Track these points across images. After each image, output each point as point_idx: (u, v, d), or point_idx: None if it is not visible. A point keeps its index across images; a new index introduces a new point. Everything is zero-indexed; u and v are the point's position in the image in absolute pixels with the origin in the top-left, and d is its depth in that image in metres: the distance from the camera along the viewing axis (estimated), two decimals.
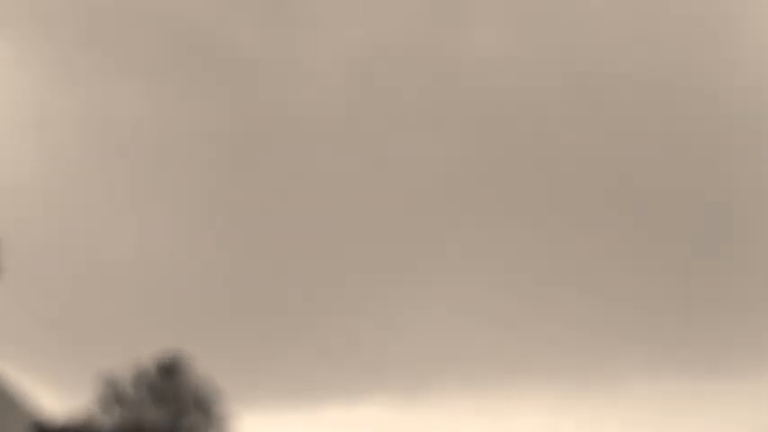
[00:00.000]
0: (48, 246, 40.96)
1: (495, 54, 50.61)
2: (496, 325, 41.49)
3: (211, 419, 28.39)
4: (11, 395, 14.79)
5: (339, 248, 47.56)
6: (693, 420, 35.99)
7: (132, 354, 27.82)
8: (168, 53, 51.57)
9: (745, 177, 44.49)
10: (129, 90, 51.55)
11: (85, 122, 50.29)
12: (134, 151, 50.32)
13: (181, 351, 28.61)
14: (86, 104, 50.71)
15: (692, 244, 44.40)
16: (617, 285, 42.77)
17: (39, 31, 49.36)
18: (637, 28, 48.22)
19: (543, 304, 42.34)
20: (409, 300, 43.89)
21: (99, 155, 50.42)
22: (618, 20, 47.93)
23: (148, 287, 41.13)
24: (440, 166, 48.46)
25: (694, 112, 46.95)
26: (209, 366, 28.26)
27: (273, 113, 50.84)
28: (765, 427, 32.62)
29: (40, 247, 39.19)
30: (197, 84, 51.71)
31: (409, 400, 42.19)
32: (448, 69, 51.22)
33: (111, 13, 50.02)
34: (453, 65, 51.23)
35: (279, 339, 41.06)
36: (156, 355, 28.34)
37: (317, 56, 51.60)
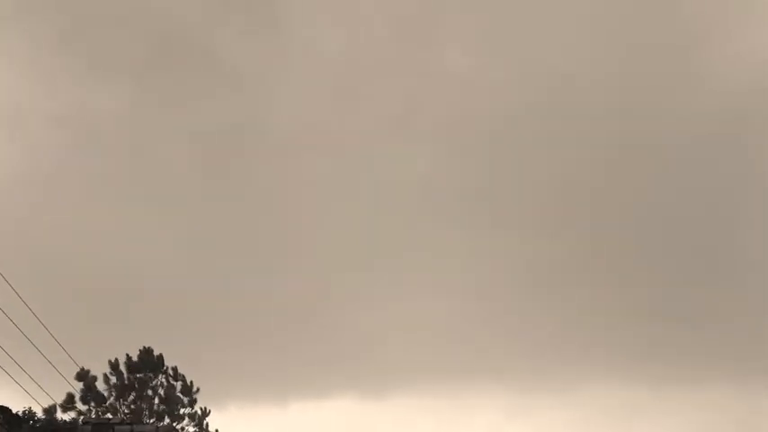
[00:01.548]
0: (24, 243, 41.54)
1: (465, 69, 51.90)
2: (459, 330, 42.74)
3: (186, 415, 29.15)
4: None
5: (312, 253, 48.51)
6: (643, 426, 37.21)
7: (108, 351, 28.66)
8: (150, 54, 52.26)
9: (717, 193, 45.71)
10: (108, 90, 52.19)
11: (64, 122, 50.92)
12: (112, 150, 51.02)
13: (155, 349, 29.43)
14: (65, 103, 51.33)
15: (657, 259, 45.45)
16: (579, 295, 43.90)
17: (18, 29, 49.88)
18: (602, 46, 49.70)
19: (505, 311, 43.57)
20: (378, 303, 44.99)
21: (77, 153, 51.07)
22: (584, 38, 49.39)
23: (125, 285, 41.86)
24: (411, 175, 49.61)
25: (662, 123, 48.24)
26: (184, 364, 29.12)
27: (251, 119, 51.78)
28: (710, 428, 34.15)
29: (16, 244, 39.80)
30: (179, 85, 52.45)
31: (374, 399, 43.29)
32: (420, 83, 52.51)
33: (92, 11, 50.63)
34: (425, 79, 52.46)
35: (253, 340, 41.91)
36: (133, 351, 29.05)
37: (295, 66, 52.57)
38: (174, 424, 28.97)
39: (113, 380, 28.24)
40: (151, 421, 26.78)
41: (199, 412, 29.36)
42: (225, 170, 50.29)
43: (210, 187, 49.37)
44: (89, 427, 17.32)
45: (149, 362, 29.42)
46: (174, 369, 29.67)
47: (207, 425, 29.64)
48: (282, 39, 51.72)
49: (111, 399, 28.00)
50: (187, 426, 29.16)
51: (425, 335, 42.88)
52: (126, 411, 27.73)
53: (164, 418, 28.29)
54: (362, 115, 50.93)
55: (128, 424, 18.66)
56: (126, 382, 28.51)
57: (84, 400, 27.56)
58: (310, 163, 49.09)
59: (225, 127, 49.92)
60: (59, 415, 25.54)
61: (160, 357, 29.48)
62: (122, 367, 28.58)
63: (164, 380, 29.34)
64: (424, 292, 44.76)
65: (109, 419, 20.90)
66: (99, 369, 28.06)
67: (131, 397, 28.33)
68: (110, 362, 28.33)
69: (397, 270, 45.99)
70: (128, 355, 28.90)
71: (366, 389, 41.57)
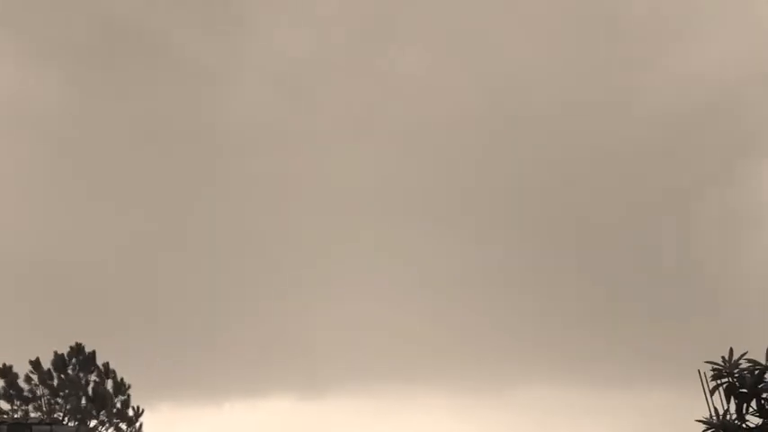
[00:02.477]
0: None
1: (422, 72, 52.01)
2: (400, 330, 42.65)
3: (120, 413, 28.31)
4: None
5: (255, 251, 47.93)
6: (585, 427, 37.78)
7: (42, 347, 27.73)
8: (93, 40, 50.80)
9: (661, 195, 46.67)
10: (50, 75, 50.61)
11: (4, 108, 49.19)
12: (48, 141, 49.46)
13: (87, 346, 28.55)
14: (4, 89, 49.57)
15: (600, 262, 46.23)
16: (521, 297, 44.34)
17: None
18: (551, 48, 50.24)
19: (447, 312, 43.73)
20: (320, 303, 44.64)
21: (16, 141, 49.39)
22: (533, 42, 49.87)
23: (57, 282, 40.71)
24: (363, 176, 49.37)
25: (607, 128, 49.09)
26: (120, 362, 28.31)
27: (203, 114, 50.84)
28: (642, 430, 34.70)
29: None
30: (126, 75, 51.10)
31: (313, 399, 42.96)
32: (377, 85, 52.29)
33: None
34: (382, 81, 52.33)
35: (189, 338, 41.16)
36: (66, 349, 28.19)
37: (251, 64, 51.87)
38: (106, 424, 28.23)
39: (35, 378, 27.40)
40: (73, 424, 25.88)
41: (131, 412, 28.56)
42: (169, 164, 49.19)
43: (150, 181, 48.23)
44: (5, 428, 16.47)
45: (80, 359, 28.62)
46: (106, 366, 28.85)
47: (141, 425, 28.90)
48: (240, 36, 50.92)
49: (38, 398, 27.22)
50: (118, 425, 28.37)
51: (366, 335, 42.71)
52: (52, 411, 26.87)
53: (93, 417, 27.44)
54: (317, 116, 50.46)
55: (47, 424, 17.83)
56: (54, 379, 27.70)
57: (7, 398, 26.68)
58: (261, 162, 48.41)
59: (174, 121, 48.87)
60: None
61: (92, 354, 28.69)
62: (50, 365, 27.76)
63: (95, 378, 28.56)
64: (366, 293, 44.61)
65: (27, 419, 20.03)
66: (25, 368, 27.24)
67: (60, 395, 27.53)
68: (30, 361, 27.43)
69: (340, 270, 45.66)
70: (56, 352, 28.03)
71: (305, 389, 41.16)
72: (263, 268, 46.05)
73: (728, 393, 9.63)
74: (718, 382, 9.71)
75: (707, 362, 9.88)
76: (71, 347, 28.30)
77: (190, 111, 49.32)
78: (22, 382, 27.21)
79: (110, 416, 28.08)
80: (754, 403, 9.54)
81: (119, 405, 28.39)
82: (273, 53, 50.30)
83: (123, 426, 28.28)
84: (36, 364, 27.52)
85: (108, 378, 28.33)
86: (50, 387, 27.48)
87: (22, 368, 27.27)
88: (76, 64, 49.44)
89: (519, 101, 49.56)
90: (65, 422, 25.66)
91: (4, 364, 26.44)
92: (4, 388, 26.65)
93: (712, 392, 9.80)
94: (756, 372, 9.49)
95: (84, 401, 27.72)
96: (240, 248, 46.42)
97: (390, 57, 50.32)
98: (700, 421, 9.77)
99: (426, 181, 48.86)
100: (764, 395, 9.45)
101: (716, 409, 9.87)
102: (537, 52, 49.20)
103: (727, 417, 9.61)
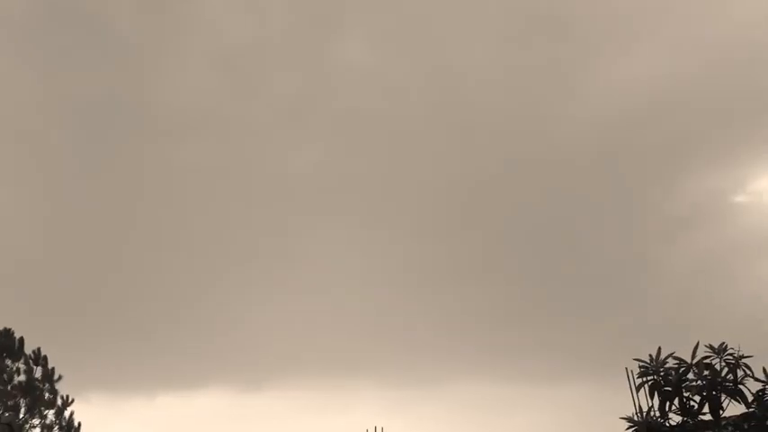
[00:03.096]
0: None
1: (367, 65, 51.92)
2: (337, 325, 42.64)
3: (47, 401, 27.60)
4: None
5: (188, 242, 47.15)
6: (505, 420, 38.46)
7: None
8: (26, 14, 49.12)
9: (586, 201, 47.62)
10: None
11: None
12: None
13: (17, 332, 27.76)
14: None
15: (528, 261, 46.95)
16: (453, 295, 44.71)
17: None
18: (496, 44, 50.76)
19: (384, 308, 43.85)
20: (257, 297, 44.25)
21: None
22: (488, 42, 50.26)
23: None
24: (301, 168, 49.05)
25: (548, 132, 49.82)
26: (51, 351, 27.56)
27: (140, 96, 49.69)
28: (567, 427, 35.51)
29: None
30: (51, 50, 49.48)
31: (250, 392, 42.63)
32: (320, 76, 51.98)
33: None
34: (326, 72, 52.02)
35: (125, 328, 40.35)
36: None
37: (192, 48, 50.90)
38: (34, 412, 27.51)
39: None
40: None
41: (59, 402, 27.88)
42: (104, 146, 47.95)
43: (78, 164, 46.87)
44: None
45: (7, 345, 27.79)
46: (37, 353, 28.09)
47: (71, 414, 28.25)
48: (177, 15, 49.88)
49: None
50: (45, 414, 27.67)
51: (304, 329, 42.61)
52: None
53: (20, 405, 26.71)
54: (257, 104, 49.84)
55: None
56: None
57: None
58: (198, 147, 47.60)
59: (107, 100, 47.56)
60: None
61: (21, 341, 27.89)
62: None
63: (23, 365, 27.77)
64: (304, 287, 44.42)
65: None
66: None
67: None
68: None
69: (278, 264, 45.35)
70: None
71: (242, 382, 40.84)
72: (199, 258, 45.43)
73: (653, 391, 9.92)
74: (645, 379, 9.99)
75: (635, 359, 10.15)
76: None
77: (122, 92, 48.16)
78: None
79: (36, 404, 27.40)
80: (677, 401, 9.85)
81: (47, 394, 27.72)
82: (213, 36, 49.53)
83: (51, 414, 27.63)
84: None
85: (37, 366, 27.61)
86: None
87: None
88: (6, 39, 47.75)
89: (461, 98, 49.95)
90: None
91: None
92: None
93: (638, 390, 10.08)
94: (681, 370, 9.80)
95: (9, 389, 26.95)
96: (176, 238, 45.64)
97: (334, 47, 50.14)
98: (624, 419, 10.04)
99: (364, 173, 48.81)
100: (687, 393, 9.75)
101: (640, 407, 10.16)
102: (482, 49, 49.64)
103: (651, 414, 9.90)
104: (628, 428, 9.98)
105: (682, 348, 9.98)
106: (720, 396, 9.64)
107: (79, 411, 27.83)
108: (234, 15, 49.22)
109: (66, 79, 48.14)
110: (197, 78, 48.89)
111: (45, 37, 48.09)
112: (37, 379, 27.54)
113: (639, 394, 10.14)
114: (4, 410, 25.66)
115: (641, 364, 10.07)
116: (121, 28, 48.07)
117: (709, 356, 9.82)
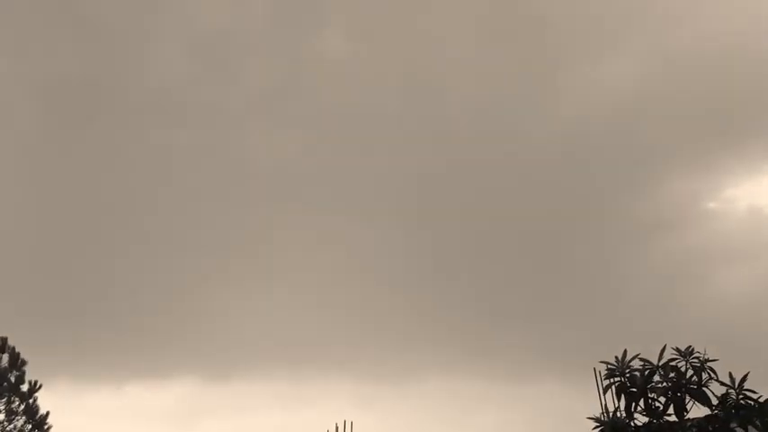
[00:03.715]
0: None
1: (345, 57, 51.75)
2: (306, 318, 42.53)
3: (12, 387, 27.23)
4: None
5: (159, 230, 46.65)
6: (475, 417, 38.68)
7: None
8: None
9: (557, 200, 47.90)
10: None
11: None
12: None
13: None
14: None
15: (495, 260, 47.11)
16: (422, 291, 44.74)
17: None
18: (477, 43, 50.86)
19: (354, 302, 43.81)
20: (226, 288, 43.99)
21: None
22: (467, 37, 50.34)
23: None
24: (275, 158, 48.80)
25: (521, 133, 50.08)
26: (16, 337, 27.18)
27: (113, 78, 49.05)
28: (538, 425, 35.87)
29: None
30: (24, 32, 48.63)
31: (217, 383, 42.42)
32: (297, 67, 51.71)
33: None
34: (303, 63, 51.79)
35: (93, 317, 39.92)
36: None
37: (168, 34, 50.31)
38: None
39: None
40: None
41: (25, 389, 27.50)
42: (75, 128, 47.23)
43: (52, 149, 46.18)
44: None
45: None
46: (4, 340, 27.70)
47: (36, 399, 27.86)
48: (160, 1, 49.29)
49: None
50: (11, 399, 27.28)
51: (275, 321, 42.44)
52: None
53: None
54: (232, 92, 49.43)
55: None
56: None
57: None
58: (170, 133, 47.03)
59: (79, 80, 46.80)
60: None
61: None
62: None
63: None
64: (277, 278, 44.28)
65: None
66: None
67: None
68: None
69: (250, 254, 45.10)
70: None
71: (209, 373, 40.59)
72: (171, 248, 45.02)
73: (619, 392, 10.07)
74: (611, 380, 10.13)
75: (601, 361, 10.29)
76: None
77: (98, 75, 47.53)
78: None
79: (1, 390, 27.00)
80: (642, 402, 10.01)
81: (12, 379, 27.34)
82: (191, 20, 48.98)
83: (16, 401, 27.25)
84: None
85: (4, 352, 27.21)
86: None
87: None
88: None
89: (440, 96, 50.00)
90: None
91: None
92: None
93: (605, 391, 10.23)
94: (647, 372, 9.95)
95: None
96: (146, 226, 45.08)
97: (313, 37, 49.92)
98: (591, 419, 10.18)
99: (340, 165, 48.57)
100: (652, 395, 9.91)
101: (607, 407, 10.31)
102: (463, 47, 49.68)
103: (618, 414, 10.05)
104: (594, 428, 10.12)
105: (650, 351, 10.12)
106: (685, 398, 9.80)
107: (46, 398, 27.49)
108: (212, 3, 48.86)
109: (38, 60, 47.47)
110: (173, 62, 48.38)
111: (20, 17, 47.36)
112: (2, 365, 27.17)
113: (607, 395, 10.29)
114: None
115: (608, 365, 10.21)
116: (97, 7, 47.41)
117: (676, 359, 9.99)
